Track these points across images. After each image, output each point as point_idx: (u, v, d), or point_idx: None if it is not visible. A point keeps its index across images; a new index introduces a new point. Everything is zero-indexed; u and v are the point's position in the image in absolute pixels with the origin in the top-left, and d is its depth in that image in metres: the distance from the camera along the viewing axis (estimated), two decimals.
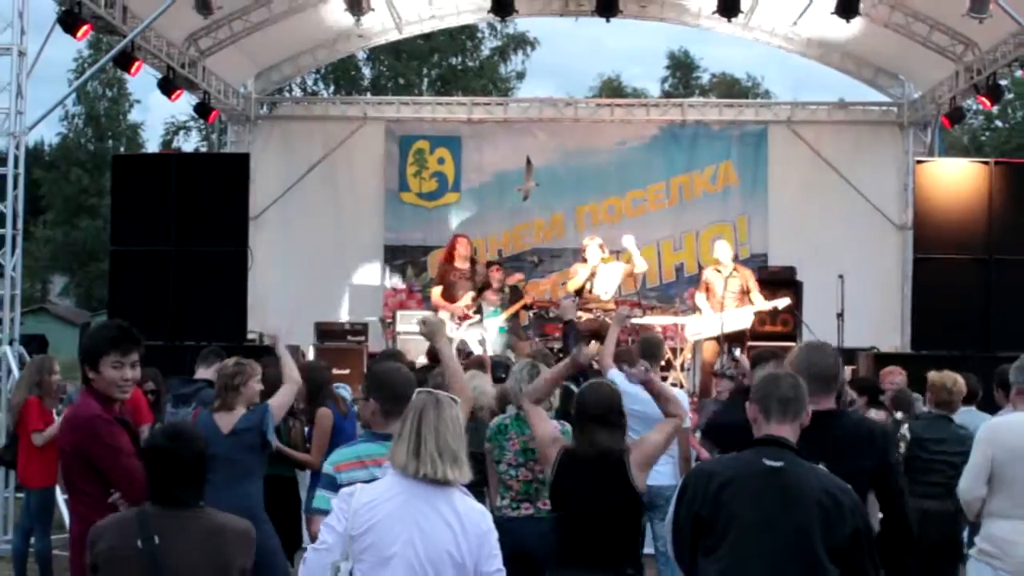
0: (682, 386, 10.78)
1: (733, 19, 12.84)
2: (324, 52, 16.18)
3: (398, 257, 15.87)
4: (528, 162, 15.56)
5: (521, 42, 34.46)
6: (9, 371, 9.62)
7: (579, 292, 11.48)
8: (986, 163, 11.39)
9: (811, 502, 3.41)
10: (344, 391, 7.09)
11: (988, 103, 13.76)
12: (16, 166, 10.12)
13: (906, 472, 5.39)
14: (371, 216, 15.82)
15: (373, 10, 12.51)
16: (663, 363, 9.57)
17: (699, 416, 8.62)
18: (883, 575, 3.56)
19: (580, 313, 11.19)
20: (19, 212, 10.16)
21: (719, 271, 11.47)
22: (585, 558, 4.43)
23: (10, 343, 9.86)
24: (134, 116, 41.43)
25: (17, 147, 10.16)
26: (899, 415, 7.03)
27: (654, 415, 4.98)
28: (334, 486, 3.96)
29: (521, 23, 30.56)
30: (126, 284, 10.93)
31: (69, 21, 10.63)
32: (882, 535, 3.88)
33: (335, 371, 8.98)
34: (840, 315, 11.82)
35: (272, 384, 5.69)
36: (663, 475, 6.29)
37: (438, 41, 30.85)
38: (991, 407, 6.56)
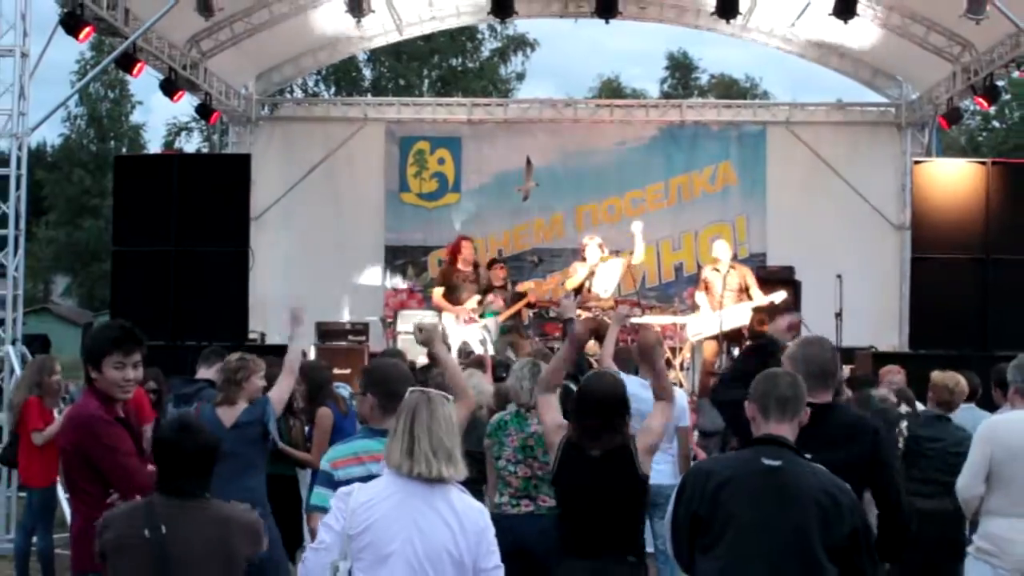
0: (681, 386, 10.79)
1: (732, 20, 12.87)
2: (325, 53, 16.22)
3: (399, 257, 15.89)
4: (528, 162, 15.59)
5: (521, 43, 34.39)
6: (12, 371, 9.64)
7: (578, 291, 11.47)
8: (983, 163, 11.41)
9: (809, 501, 3.41)
10: (344, 390, 7.12)
11: (985, 104, 13.75)
12: (19, 167, 10.17)
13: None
14: (372, 217, 15.83)
15: (374, 11, 12.52)
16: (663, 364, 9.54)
17: (699, 416, 8.63)
18: (885, 569, 3.57)
19: (579, 311, 11.19)
20: (22, 213, 10.22)
21: (717, 269, 11.49)
22: (589, 547, 4.41)
23: (12, 343, 9.89)
24: (136, 117, 41.29)
25: (20, 148, 10.19)
26: (903, 408, 7.04)
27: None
28: (331, 482, 3.99)
29: (521, 24, 30.50)
30: (128, 284, 10.92)
31: (71, 23, 10.65)
32: (880, 531, 3.87)
33: (336, 371, 8.99)
34: (838, 315, 11.83)
35: (273, 383, 5.71)
36: (663, 474, 6.28)
37: (438, 42, 30.83)
38: (989, 406, 6.58)
